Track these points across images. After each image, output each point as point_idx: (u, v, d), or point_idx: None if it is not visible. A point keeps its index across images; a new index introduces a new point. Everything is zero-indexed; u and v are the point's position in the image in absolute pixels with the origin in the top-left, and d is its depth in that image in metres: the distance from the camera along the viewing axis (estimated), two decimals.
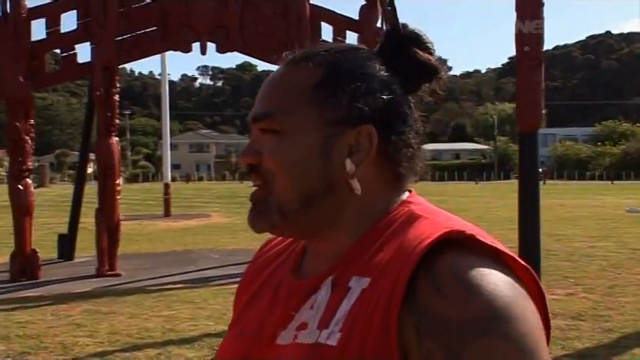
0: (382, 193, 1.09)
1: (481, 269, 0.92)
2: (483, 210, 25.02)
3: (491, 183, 56.58)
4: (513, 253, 0.97)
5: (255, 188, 1.09)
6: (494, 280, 0.91)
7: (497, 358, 0.86)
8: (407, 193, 1.12)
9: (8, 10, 10.81)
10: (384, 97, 1.05)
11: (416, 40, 1.10)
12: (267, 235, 1.16)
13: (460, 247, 0.95)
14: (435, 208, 1.08)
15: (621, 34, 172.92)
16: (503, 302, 0.89)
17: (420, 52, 1.09)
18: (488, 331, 0.87)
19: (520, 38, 9.94)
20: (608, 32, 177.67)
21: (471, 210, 24.82)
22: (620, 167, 61.28)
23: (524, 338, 0.87)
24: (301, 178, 1.04)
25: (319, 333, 0.98)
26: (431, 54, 1.11)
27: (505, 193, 24.52)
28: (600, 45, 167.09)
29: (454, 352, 0.87)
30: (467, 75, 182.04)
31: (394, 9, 1.14)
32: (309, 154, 1.04)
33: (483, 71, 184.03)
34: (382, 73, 1.07)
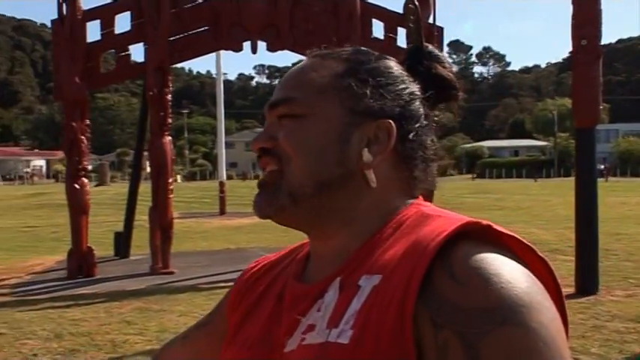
0: (394, 195, 1.08)
1: (498, 258, 0.91)
2: (541, 208, 24.51)
3: (551, 180, 55.39)
4: (531, 244, 0.97)
5: (265, 173, 1.08)
6: (511, 270, 0.90)
7: (516, 348, 0.84)
8: (411, 200, 1.10)
9: (65, 13, 11.01)
10: (405, 96, 1.07)
11: (437, 58, 1.13)
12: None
13: (476, 239, 0.94)
14: (444, 210, 1.07)
15: None
16: (522, 291, 0.87)
17: (441, 67, 1.12)
18: (507, 320, 0.85)
19: (577, 32, 9.72)
20: None
21: (528, 208, 24.43)
22: None
23: (543, 328, 0.85)
24: (318, 162, 1.04)
25: (329, 332, 0.96)
26: (451, 72, 1.13)
27: (564, 190, 23.93)
28: None
29: (471, 341, 0.85)
30: (526, 70, 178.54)
31: (419, 27, 1.18)
32: (328, 138, 1.04)
33: (543, 66, 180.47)
34: (406, 77, 1.09)
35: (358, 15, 11.50)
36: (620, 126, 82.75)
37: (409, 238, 0.98)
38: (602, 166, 50.05)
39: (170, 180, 11.41)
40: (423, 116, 1.08)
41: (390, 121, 1.04)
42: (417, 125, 1.07)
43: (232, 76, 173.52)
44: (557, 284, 0.96)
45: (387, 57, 1.13)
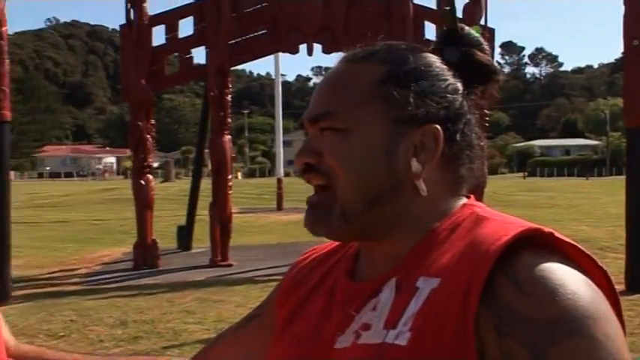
0: (444, 196, 1.04)
1: (562, 268, 0.88)
2: (592, 206, 23.97)
3: (603, 179, 54.09)
4: (590, 252, 0.93)
5: (314, 193, 1.04)
6: (576, 280, 0.87)
7: (584, 359, 0.81)
8: (465, 198, 1.06)
9: (132, 19, 11.20)
10: (449, 96, 1.01)
11: (475, 42, 1.06)
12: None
13: (535, 245, 0.90)
14: (498, 212, 1.03)
15: None
16: (587, 303, 0.85)
17: (480, 53, 1.04)
18: (575, 331, 0.83)
19: (628, 32, 9.46)
20: None
21: (579, 206, 23.90)
22: None
23: (609, 341, 0.83)
24: (366, 177, 0.99)
25: (386, 333, 0.93)
26: (489, 56, 1.06)
27: (616, 189, 23.23)
28: None
29: (539, 352, 0.82)
30: (578, 71, 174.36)
31: (454, 9, 1.09)
32: (374, 151, 0.98)
33: (596, 66, 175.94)
34: (446, 72, 1.03)
35: (411, 17, 11.42)
36: None
37: (466, 241, 0.95)
38: None
39: (229, 177, 11.49)
40: (467, 113, 1.03)
41: (436, 125, 0.99)
42: (462, 124, 1.02)
43: (290, 78, 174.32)
44: (615, 293, 0.92)
45: (424, 50, 1.06)
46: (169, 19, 11.51)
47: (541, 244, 0.90)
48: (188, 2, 11.62)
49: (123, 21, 11.35)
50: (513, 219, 0.97)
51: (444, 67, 1.03)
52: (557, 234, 0.91)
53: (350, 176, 0.98)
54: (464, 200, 1.05)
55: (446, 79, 1.01)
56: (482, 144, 1.06)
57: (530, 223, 0.94)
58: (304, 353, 1.04)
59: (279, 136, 27.29)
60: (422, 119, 0.98)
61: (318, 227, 1.02)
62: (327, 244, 1.20)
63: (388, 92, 0.99)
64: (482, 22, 10.77)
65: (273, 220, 20.67)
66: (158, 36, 11.48)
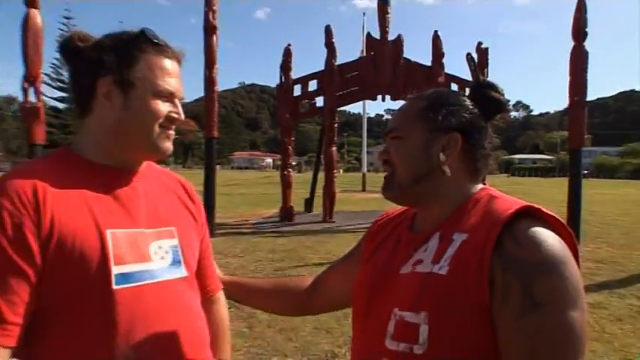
0: (466, 181, 0.99)
1: (545, 231, 0.85)
2: (547, 194, 22.11)
3: (554, 179, 50.30)
4: (563, 221, 0.89)
5: (386, 174, 1.02)
6: (552, 239, 0.84)
7: (557, 288, 0.80)
8: (482, 184, 1.01)
9: (283, 80, 11.29)
10: (466, 115, 0.98)
11: (491, 86, 0.99)
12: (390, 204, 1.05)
13: (529, 216, 0.87)
14: (503, 193, 0.98)
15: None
16: (560, 253, 0.83)
17: (493, 92, 0.99)
18: (551, 270, 0.81)
19: (572, 91, 8.79)
20: (632, 90, 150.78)
21: (539, 194, 22.19)
22: (638, 172, 53.93)
23: (572, 278, 0.82)
24: (413, 165, 0.98)
25: (432, 266, 0.91)
26: (501, 95, 1.00)
27: (561, 185, 21.96)
28: (624, 96, 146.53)
29: (526, 284, 0.81)
30: (541, 115, 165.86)
31: (476, 69, 1.07)
32: (418, 150, 0.98)
33: (552, 112, 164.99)
34: (467, 102, 0.99)
35: (444, 80, 10.92)
36: (598, 149, 77.56)
37: (485, 211, 0.92)
38: (585, 171, 45.59)
39: (334, 171, 11.35)
40: (479, 126, 0.98)
41: (457, 133, 0.96)
42: (477, 133, 0.97)
43: (372, 114, 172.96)
44: (576, 248, 0.87)
45: (457, 92, 1.04)
46: (303, 80, 11.45)
47: (533, 215, 0.88)
48: (314, 72, 11.50)
49: (277, 82, 11.41)
50: (515, 199, 0.93)
51: (467, 99, 0.99)
52: (543, 209, 0.88)
53: (404, 165, 0.98)
54: (481, 185, 1.00)
55: (466, 106, 0.98)
56: (491, 146, 1.00)
57: (525, 202, 0.91)
58: (379, 275, 1.01)
59: (364, 148, 27.56)
60: (447, 129, 0.96)
61: (386, 192, 1.01)
62: (395, 209, 1.17)
63: (426, 115, 0.98)
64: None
65: (360, 197, 20.38)
66: (296, 90, 11.46)
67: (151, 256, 0.99)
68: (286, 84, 11.22)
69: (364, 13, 22.55)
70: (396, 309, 0.90)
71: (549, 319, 0.78)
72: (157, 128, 1.01)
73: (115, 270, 0.93)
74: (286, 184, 11.18)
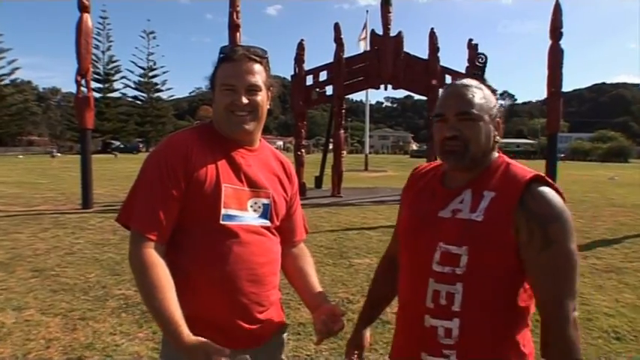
0: (493, 150, 1.11)
1: (550, 191, 1.01)
2: None
3: (535, 161, 49.71)
4: (557, 185, 1.04)
5: (447, 147, 1.07)
6: (557, 197, 1.00)
7: (562, 231, 0.97)
8: (497, 153, 1.12)
9: (296, 71, 11.34)
10: (499, 106, 1.11)
11: (486, 82, 1.13)
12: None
13: (539, 180, 1.02)
14: (513, 160, 1.10)
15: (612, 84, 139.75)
16: (562, 207, 1.00)
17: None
18: (560, 218, 0.98)
19: (550, 83, 8.72)
20: (603, 82, 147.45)
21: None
22: (608, 155, 53.02)
23: (571, 223, 0.99)
24: (485, 143, 1.07)
25: (471, 214, 1.02)
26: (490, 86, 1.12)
27: (541, 166, 21.90)
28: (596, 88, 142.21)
29: (544, 227, 0.97)
30: (524, 103, 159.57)
31: (485, 63, 1.23)
32: (487, 131, 1.07)
33: (534, 101, 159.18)
34: (496, 95, 1.12)
35: (439, 72, 10.97)
36: (573, 135, 76.57)
37: (505, 175, 1.05)
38: (562, 155, 45.22)
39: (342, 152, 11.53)
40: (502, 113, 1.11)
41: (499, 119, 1.10)
42: (501, 117, 1.11)
43: (373, 101, 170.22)
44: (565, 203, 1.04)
45: (493, 88, 1.13)
46: (314, 72, 11.51)
47: (541, 180, 1.02)
48: (324, 63, 11.55)
49: (288, 73, 11.50)
50: (524, 167, 1.06)
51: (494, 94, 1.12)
52: (547, 178, 1.03)
53: (478, 141, 1.06)
54: (497, 154, 1.12)
55: (497, 100, 1.11)
56: (503, 126, 1.12)
57: (534, 171, 1.04)
58: (419, 218, 1.11)
59: (367, 132, 28.05)
60: (497, 116, 1.09)
61: (458, 163, 1.07)
62: (425, 164, 1.25)
63: (490, 102, 1.09)
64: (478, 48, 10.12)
65: (363, 175, 20.49)
66: (308, 80, 11.50)
67: (247, 207, 1.24)
68: (299, 75, 11.31)
69: (367, 11, 22.54)
70: (442, 243, 1.03)
71: (560, 251, 0.97)
72: (224, 113, 1.23)
73: (223, 211, 1.19)
74: (300, 163, 11.29)
